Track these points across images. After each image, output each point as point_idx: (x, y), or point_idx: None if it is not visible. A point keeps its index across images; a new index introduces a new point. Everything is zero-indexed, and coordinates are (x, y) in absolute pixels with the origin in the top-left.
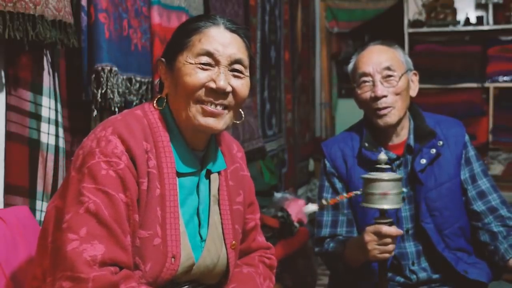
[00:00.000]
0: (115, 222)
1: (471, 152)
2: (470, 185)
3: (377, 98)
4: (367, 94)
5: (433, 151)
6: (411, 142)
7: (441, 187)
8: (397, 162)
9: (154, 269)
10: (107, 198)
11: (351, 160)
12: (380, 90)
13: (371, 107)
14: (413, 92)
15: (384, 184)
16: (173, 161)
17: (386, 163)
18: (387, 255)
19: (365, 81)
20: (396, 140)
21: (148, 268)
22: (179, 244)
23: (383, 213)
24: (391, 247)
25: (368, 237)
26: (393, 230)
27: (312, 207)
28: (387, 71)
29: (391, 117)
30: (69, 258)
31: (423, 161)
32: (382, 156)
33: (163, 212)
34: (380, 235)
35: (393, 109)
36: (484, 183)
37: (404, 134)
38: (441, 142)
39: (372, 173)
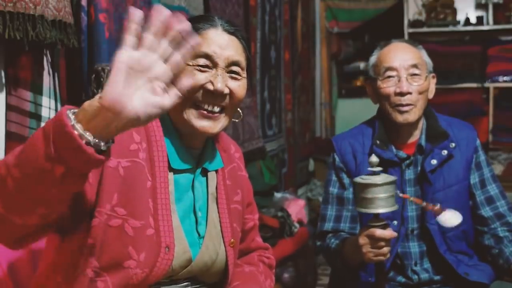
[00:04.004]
0: None
1: (482, 157)
2: (479, 190)
3: (402, 94)
4: (391, 89)
5: (445, 152)
6: (423, 142)
7: (449, 189)
8: (407, 161)
9: (149, 259)
10: None
11: (361, 156)
12: (406, 86)
13: (393, 102)
14: (430, 94)
15: (377, 189)
16: (165, 155)
17: (392, 164)
18: (382, 257)
19: (390, 76)
20: (409, 139)
21: (142, 258)
22: (172, 235)
23: (377, 215)
24: (385, 250)
25: (362, 240)
26: (386, 233)
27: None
28: (414, 69)
29: (412, 115)
30: None
31: (434, 161)
32: (374, 158)
33: (154, 203)
34: (373, 239)
35: (415, 107)
36: (493, 189)
37: (416, 134)
38: (453, 144)
39: (365, 176)
